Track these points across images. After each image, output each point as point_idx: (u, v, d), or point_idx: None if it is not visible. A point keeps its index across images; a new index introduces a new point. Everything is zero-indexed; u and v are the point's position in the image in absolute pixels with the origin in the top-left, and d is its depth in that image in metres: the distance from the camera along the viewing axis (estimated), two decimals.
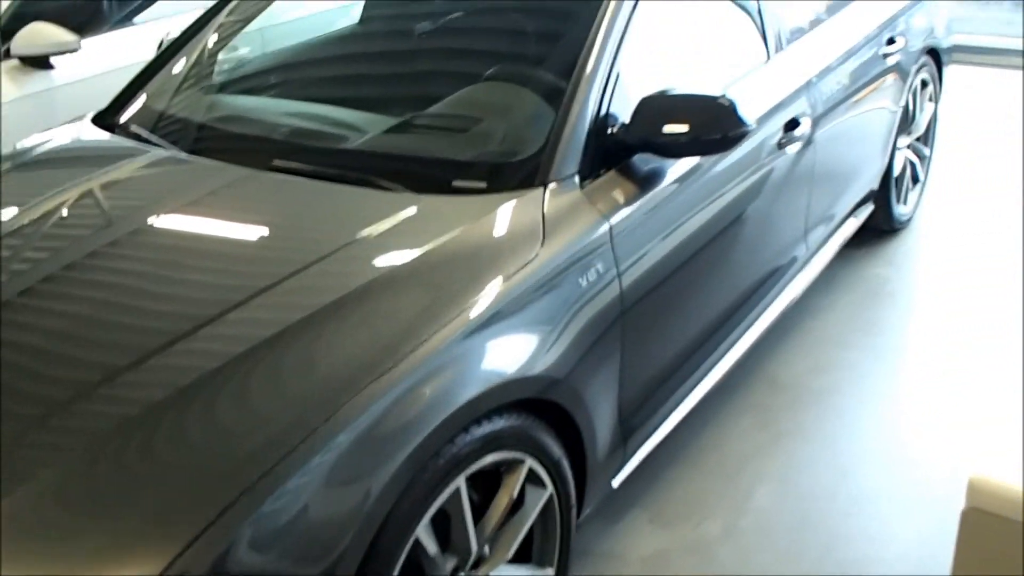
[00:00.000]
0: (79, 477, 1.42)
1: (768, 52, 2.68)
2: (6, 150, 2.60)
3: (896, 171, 3.59)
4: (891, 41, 3.26)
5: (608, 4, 2.23)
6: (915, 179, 3.86)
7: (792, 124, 2.61)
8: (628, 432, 2.17)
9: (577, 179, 2.02)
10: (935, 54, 3.72)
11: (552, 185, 1.98)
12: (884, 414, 2.79)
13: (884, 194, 3.54)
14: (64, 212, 2.14)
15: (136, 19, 4.19)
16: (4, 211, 2.13)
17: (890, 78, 3.28)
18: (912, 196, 3.85)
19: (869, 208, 3.48)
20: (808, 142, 2.70)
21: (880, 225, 3.66)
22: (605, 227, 1.98)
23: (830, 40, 2.95)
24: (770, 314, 2.79)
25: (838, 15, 3.08)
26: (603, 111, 2.11)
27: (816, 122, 2.74)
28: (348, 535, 1.46)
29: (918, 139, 3.81)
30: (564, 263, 1.88)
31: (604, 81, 2.14)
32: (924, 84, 3.71)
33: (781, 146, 2.57)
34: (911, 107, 3.60)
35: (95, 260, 1.92)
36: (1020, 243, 3.68)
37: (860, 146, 3.18)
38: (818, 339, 3.15)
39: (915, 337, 3.20)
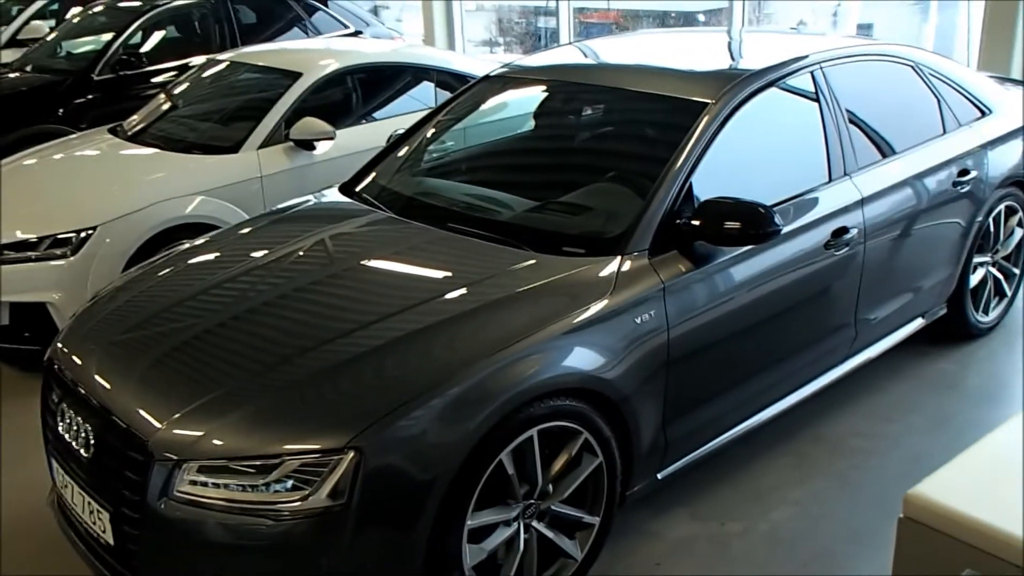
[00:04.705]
0: (305, 392, 2.48)
1: (830, 175, 3.48)
2: (274, 206, 3.82)
3: (973, 283, 4.22)
4: (964, 172, 3.95)
5: (692, 135, 3.14)
6: (1001, 293, 4.44)
7: (841, 231, 3.40)
8: (671, 439, 3.00)
9: (647, 253, 2.93)
10: (1023, 185, 4.33)
11: (629, 254, 2.90)
12: (904, 477, 3.40)
13: (957, 301, 4.17)
14: (302, 253, 3.24)
15: (377, 115, 5.53)
16: (259, 251, 3.27)
17: (960, 204, 3.96)
18: (996, 308, 4.43)
19: (941, 311, 4.13)
20: (856, 247, 3.46)
21: (954, 329, 4.27)
22: (660, 287, 2.87)
23: (893, 170, 3.70)
24: (817, 382, 3.55)
25: (908, 152, 3.82)
26: (676, 207, 3.01)
27: (867, 232, 3.50)
28: (450, 454, 2.41)
29: (1005, 258, 4.41)
30: (625, 305, 2.79)
31: (680, 187, 3.04)
32: (1012, 211, 4.33)
33: (828, 247, 3.36)
34: (992, 229, 4.23)
35: (319, 287, 3.00)
36: None
37: (918, 256, 3.85)
38: (868, 412, 3.82)
39: (953, 421, 3.77)
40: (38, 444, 2.99)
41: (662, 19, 10.85)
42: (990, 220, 4.19)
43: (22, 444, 3.67)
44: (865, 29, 8.87)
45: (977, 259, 4.22)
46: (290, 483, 2.34)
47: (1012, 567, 1.94)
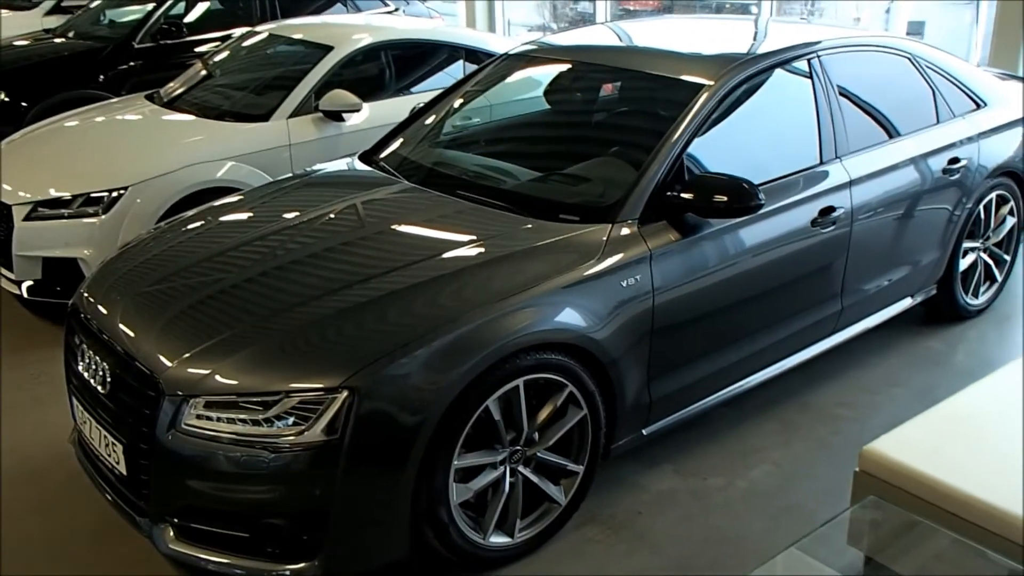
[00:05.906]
0: (307, 335, 2.71)
1: (821, 158, 3.66)
2: (300, 170, 4.06)
3: (963, 267, 4.38)
4: (954, 160, 4.11)
5: (687, 113, 3.34)
6: (991, 278, 4.60)
7: (828, 211, 3.58)
8: (655, 398, 3.21)
9: (637, 222, 3.13)
10: (1014, 175, 4.47)
11: (620, 222, 3.11)
12: None
13: (947, 283, 4.34)
14: (331, 216, 3.46)
15: (413, 89, 5.74)
16: (286, 213, 3.51)
17: (949, 191, 4.12)
18: (986, 293, 4.59)
19: (930, 291, 4.30)
20: (843, 227, 3.64)
21: (943, 310, 4.44)
22: (647, 253, 3.08)
23: (883, 155, 3.87)
24: (803, 353, 3.75)
25: (899, 139, 3.99)
26: (667, 180, 3.20)
27: (854, 213, 3.67)
28: (440, 398, 2.63)
29: (996, 245, 4.56)
30: (611, 268, 3.00)
31: (673, 161, 3.23)
32: (1003, 199, 4.47)
33: (815, 225, 3.54)
34: (982, 217, 4.38)
35: (347, 247, 3.21)
36: None
37: (905, 238, 4.02)
38: (855, 384, 4.02)
39: (934, 394, 3.92)
40: (65, 390, 3.24)
41: (717, 10, 10.91)
42: (980, 208, 4.35)
43: (51, 390, 3.95)
44: (917, 26, 8.95)
45: (968, 244, 4.38)
46: (291, 419, 2.57)
47: (957, 519, 2.14)
